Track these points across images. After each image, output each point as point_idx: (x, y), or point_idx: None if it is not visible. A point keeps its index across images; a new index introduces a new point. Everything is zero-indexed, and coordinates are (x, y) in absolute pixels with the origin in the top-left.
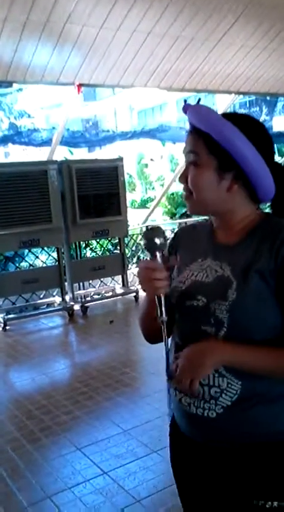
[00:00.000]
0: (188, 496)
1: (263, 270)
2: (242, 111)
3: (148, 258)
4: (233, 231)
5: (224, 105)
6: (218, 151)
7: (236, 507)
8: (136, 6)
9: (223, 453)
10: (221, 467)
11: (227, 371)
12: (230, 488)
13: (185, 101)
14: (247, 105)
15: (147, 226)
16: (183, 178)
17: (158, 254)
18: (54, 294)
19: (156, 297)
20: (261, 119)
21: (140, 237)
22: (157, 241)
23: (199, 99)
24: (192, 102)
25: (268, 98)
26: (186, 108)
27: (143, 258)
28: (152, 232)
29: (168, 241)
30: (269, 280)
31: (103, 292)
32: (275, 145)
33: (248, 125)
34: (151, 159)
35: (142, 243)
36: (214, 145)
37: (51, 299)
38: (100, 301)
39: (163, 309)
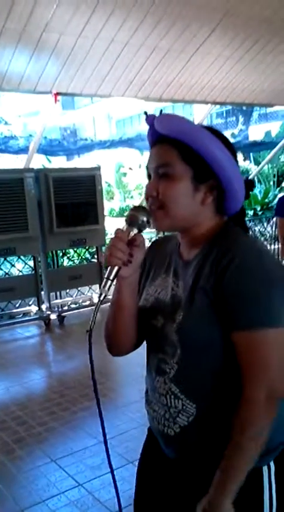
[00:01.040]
0: (143, 500)
1: (205, 286)
2: (219, 120)
3: (124, 229)
4: (193, 246)
5: (201, 114)
6: (195, 160)
7: None
8: (114, 17)
9: (183, 465)
10: (180, 477)
11: (182, 393)
12: (186, 498)
13: (146, 112)
14: (224, 114)
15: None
16: (154, 190)
17: (132, 231)
18: (30, 303)
19: (109, 267)
20: (237, 128)
21: None
22: (138, 218)
23: (161, 110)
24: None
25: (244, 107)
26: (152, 119)
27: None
28: (139, 209)
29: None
30: (211, 296)
31: (80, 301)
32: (250, 154)
33: (221, 135)
34: (130, 168)
35: (126, 214)
36: (190, 154)
37: (27, 308)
38: (77, 311)
39: (109, 281)
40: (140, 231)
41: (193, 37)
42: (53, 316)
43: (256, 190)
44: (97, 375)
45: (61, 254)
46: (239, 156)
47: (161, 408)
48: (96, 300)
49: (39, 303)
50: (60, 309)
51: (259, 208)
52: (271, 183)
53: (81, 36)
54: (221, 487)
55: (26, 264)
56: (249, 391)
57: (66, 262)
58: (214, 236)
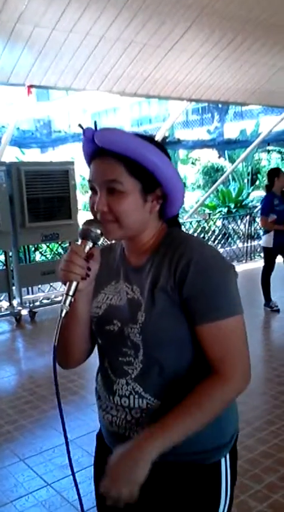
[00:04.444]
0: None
1: (166, 287)
2: (195, 117)
3: (78, 243)
4: (141, 252)
5: (177, 110)
6: (142, 173)
7: None
8: (90, 10)
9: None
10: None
11: (146, 391)
12: (150, 503)
13: (80, 125)
14: (200, 111)
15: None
16: (104, 206)
17: (87, 245)
18: (1, 298)
19: (67, 282)
20: (213, 125)
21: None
22: (92, 231)
23: (95, 122)
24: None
25: (219, 105)
26: (91, 133)
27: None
28: (91, 222)
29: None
30: (173, 296)
31: (53, 297)
32: (225, 152)
33: (155, 142)
34: None
35: (79, 228)
36: (137, 168)
37: None
38: (49, 306)
39: (69, 297)
40: (94, 243)
41: (169, 33)
42: (24, 312)
43: (231, 188)
44: (68, 372)
45: (33, 249)
46: (214, 153)
47: (121, 412)
48: None
49: (10, 299)
50: (31, 305)
51: (233, 206)
52: (245, 181)
53: (55, 28)
54: (154, 434)
55: None
56: (227, 371)
57: (38, 257)
58: (161, 241)
